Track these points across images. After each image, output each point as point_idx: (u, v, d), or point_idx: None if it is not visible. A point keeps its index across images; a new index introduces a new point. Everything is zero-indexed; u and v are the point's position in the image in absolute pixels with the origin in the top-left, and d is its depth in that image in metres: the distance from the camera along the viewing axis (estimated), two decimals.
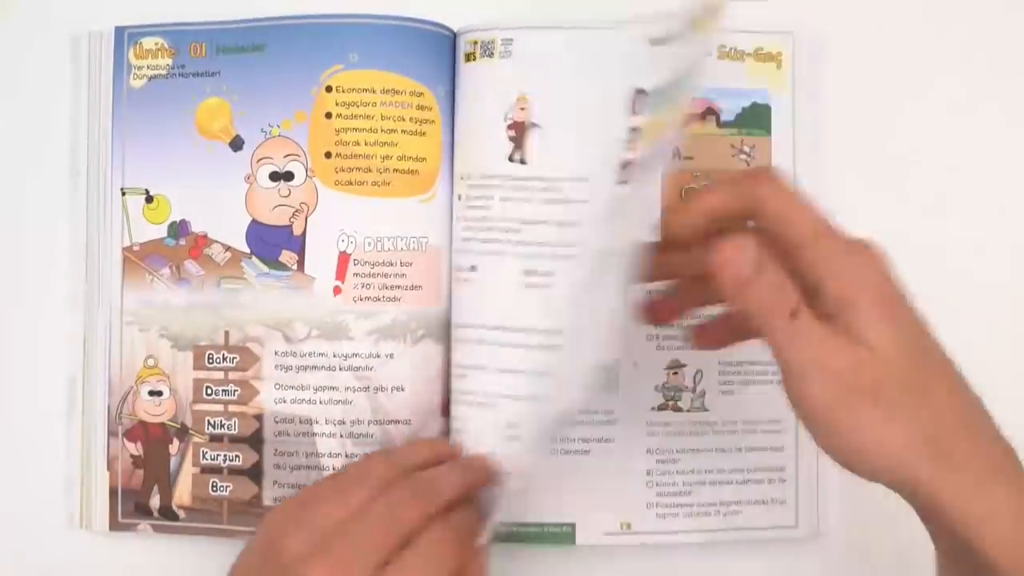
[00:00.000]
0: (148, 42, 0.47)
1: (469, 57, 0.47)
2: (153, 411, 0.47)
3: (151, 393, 0.47)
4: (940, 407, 0.33)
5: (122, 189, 0.47)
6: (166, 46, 0.47)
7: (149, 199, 0.47)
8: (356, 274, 0.46)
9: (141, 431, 0.47)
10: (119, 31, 0.48)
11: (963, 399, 0.34)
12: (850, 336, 0.33)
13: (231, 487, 0.46)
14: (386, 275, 0.46)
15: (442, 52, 0.47)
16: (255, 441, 0.46)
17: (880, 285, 0.34)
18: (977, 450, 0.33)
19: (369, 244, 0.46)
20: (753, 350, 0.47)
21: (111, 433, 0.47)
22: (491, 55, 0.47)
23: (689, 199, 0.38)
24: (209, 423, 0.46)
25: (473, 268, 0.46)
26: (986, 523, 0.32)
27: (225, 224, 0.47)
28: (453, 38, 0.48)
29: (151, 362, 0.47)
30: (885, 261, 0.35)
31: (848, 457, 0.33)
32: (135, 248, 0.47)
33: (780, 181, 0.36)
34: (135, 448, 0.47)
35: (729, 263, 0.34)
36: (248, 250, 0.46)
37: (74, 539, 0.48)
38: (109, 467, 0.47)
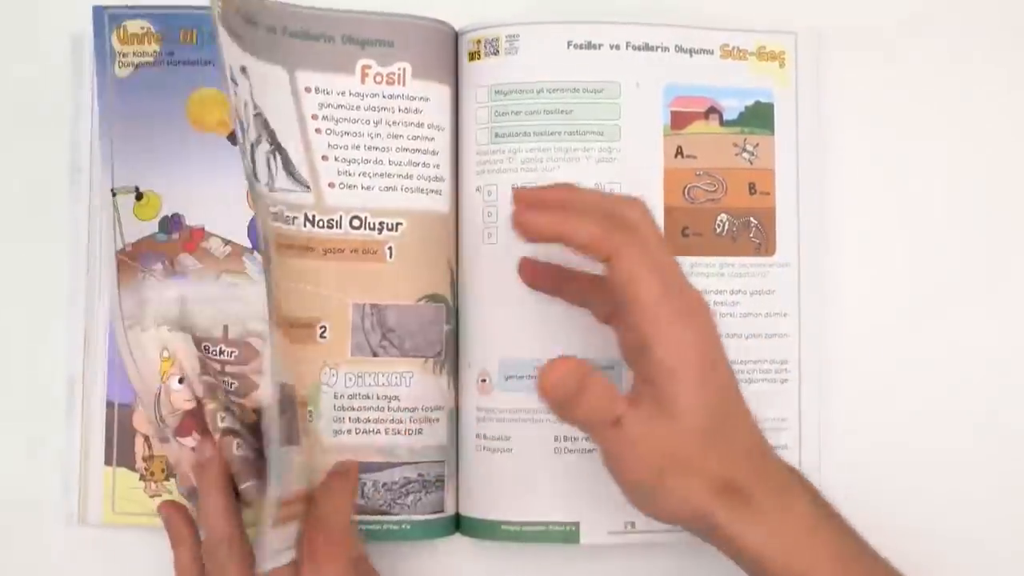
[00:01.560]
0: (133, 26, 0.46)
1: (473, 56, 0.47)
2: (185, 397, 0.45)
3: (179, 381, 0.45)
4: (736, 452, 0.38)
5: (112, 190, 0.46)
6: (153, 31, 0.46)
7: (139, 196, 0.46)
8: None
9: (191, 423, 0.45)
10: (98, 11, 0.46)
11: (753, 434, 0.39)
12: (662, 407, 0.37)
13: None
14: None
15: (445, 51, 0.47)
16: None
17: (701, 353, 0.37)
18: (765, 483, 0.38)
19: None
20: (755, 350, 0.48)
21: (162, 440, 0.45)
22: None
23: (557, 213, 0.39)
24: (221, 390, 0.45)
25: None
26: (769, 549, 0.37)
27: (225, 218, 0.46)
28: (455, 37, 0.48)
29: (166, 353, 0.45)
30: (711, 324, 0.38)
31: (657, 514, 0.38)
32: (127, 249, 0.46)
33: (641, 228, 0.38)
34: (191, 441, 0.44)
35: (551, 388, 0.36)
36: (251, 245, 0.46)
37: (71, 535, 0.47)
38: (177, 473, 0.45)
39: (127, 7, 0.46)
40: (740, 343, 0.47)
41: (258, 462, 0.43)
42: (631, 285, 0.37)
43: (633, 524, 0.46)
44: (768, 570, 0.37)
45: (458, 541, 0.47)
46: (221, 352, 0.45)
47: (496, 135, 0.47)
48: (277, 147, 0.45)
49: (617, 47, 0.47)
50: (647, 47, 0.48)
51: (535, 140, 0.47)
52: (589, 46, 0.47)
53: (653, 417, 0.37)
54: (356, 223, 0.46)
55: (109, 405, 0.47)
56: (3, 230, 0.49)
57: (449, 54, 0.47)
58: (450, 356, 0.47)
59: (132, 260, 0.46)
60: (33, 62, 0.49)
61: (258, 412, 0.45)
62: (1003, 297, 0.50)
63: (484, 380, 0.47)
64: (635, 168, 0.47)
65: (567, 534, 0.46)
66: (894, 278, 0.50)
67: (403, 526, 0.46)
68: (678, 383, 0.37)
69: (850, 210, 0.49)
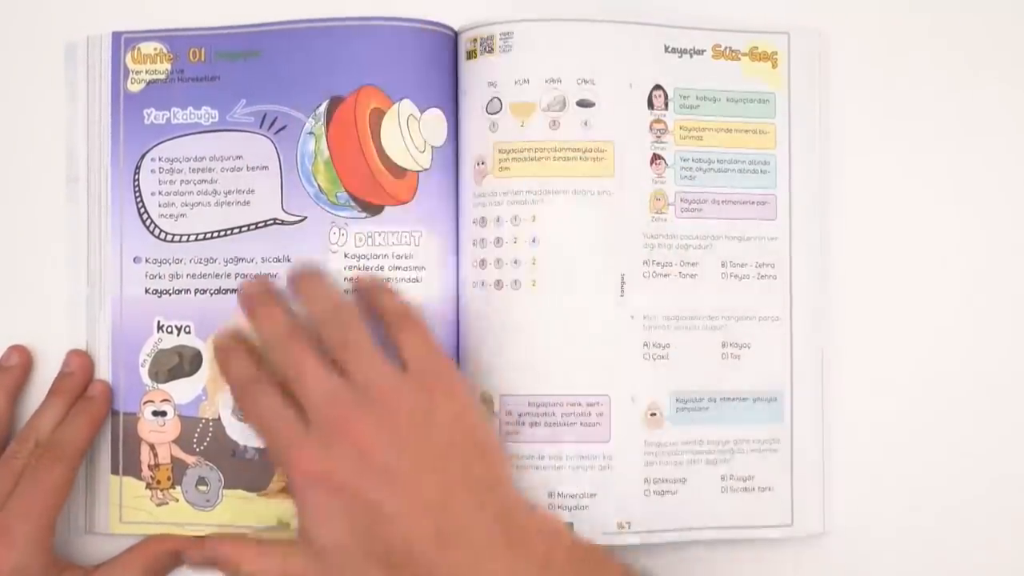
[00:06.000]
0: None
1: (470, 55, 0.47)
2: None
3: None
4: None
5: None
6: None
7: None
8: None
9: None
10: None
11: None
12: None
13: None
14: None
15: (445, 52, 0.47)
16: None
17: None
18: None
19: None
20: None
21: None
22: (491, 51, 0.46)
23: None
24: None
25: None
26: None
27: None
28: (455, 38, 0.48)
29: None
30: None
31: None
32: None
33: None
34: None
35: None
36: None
37: (80, 544, 0.48)
38: None
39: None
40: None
41: None
42: None
43: (627, 524, 0.46)
44: None
45: None
46: None
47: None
48: None
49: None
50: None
51: None
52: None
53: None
54: None
55: (114, 414, 0.47)
56: (2, 240, 0.49)
57: (446, 55, 0.47)
58: None
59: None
60: (27, 72, 0.49)
61: None
62: (1003, 282, 0.50)
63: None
64: (626, 169, 0.47)
65: None
66: (894, 287, 0.49)
67: None
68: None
69: (843, 210, 0.49)
